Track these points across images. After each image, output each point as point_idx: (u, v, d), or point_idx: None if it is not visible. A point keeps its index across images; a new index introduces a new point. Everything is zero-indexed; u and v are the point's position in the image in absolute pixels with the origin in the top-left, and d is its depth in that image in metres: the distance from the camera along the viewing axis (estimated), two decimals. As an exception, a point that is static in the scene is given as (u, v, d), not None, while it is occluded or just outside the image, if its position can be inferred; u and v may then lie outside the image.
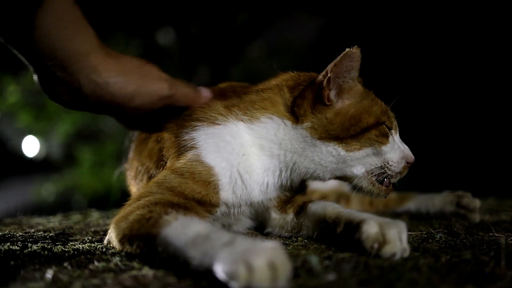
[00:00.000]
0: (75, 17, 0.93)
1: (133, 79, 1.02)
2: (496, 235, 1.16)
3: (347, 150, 1.08)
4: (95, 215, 1.81)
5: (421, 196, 1.59)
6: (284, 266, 0.69)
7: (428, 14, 3.39)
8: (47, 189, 5.07)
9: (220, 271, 0.70)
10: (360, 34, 3.49)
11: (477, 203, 1.44)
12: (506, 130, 3.09)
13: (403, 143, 1.17)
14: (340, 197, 1.61)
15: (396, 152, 1.13)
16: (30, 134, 5.05)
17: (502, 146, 3.12)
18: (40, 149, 5.10)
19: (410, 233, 1.18)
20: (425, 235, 1.15)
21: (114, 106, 1.02)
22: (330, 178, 1.15)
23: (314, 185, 1.52)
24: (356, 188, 1.14)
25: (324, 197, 1.50)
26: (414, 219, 1.51)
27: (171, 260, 0.81)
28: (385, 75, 3.15)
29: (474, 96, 3.27)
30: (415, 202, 1.58)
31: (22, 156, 5.04)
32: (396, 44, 3.37)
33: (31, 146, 5.07)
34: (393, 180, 1.15)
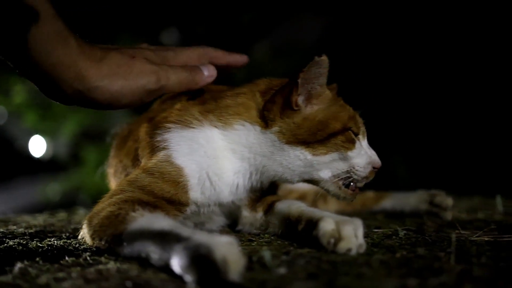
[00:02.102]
0: (56, 30, 0.91)
1: (115, 80, 0.98)
2: (461, 232, 1.19)
3: (313, 155, 1.11)
4: (80, 213, 1.85)
5: (397, 194, 1.63)
6: (237, 261, 0.72)
7: (434, 14, 3.38)
8: (53, 188, 5.11)
9: (176, 264, 0.75)
10: (366, 33, 3.48)
11: (449, 201, 1.48)
12: (508, 128, 3.08)
13: (370, 149, 1.20)
14: (319, 197, 1.63)
15: (362, 157, 1.15)
16: (36, 134, 5.09)
17: (498, 145, 3.11)
18: (47, 149, 5.14)
19: (377, 230, 1.21)
20: (390, 232, 1.19)
21: (105, 107, 1.01)
22: (298, 181, 1.19)
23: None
24: (324, 190, 1.18)
25: (303, 196, 1.53)
26: (390, 217, 1.54)
27: (136, 255, 0.86)
28: (387, 74, 3.19)
29: (468, 97, 3.26)
30: (391, 201, 1.62)
31: (29, 156, 5.09)
32: (401, 43, 3.36)
33: (37, 146, 5.10)
34: (359, 185, 1.18)
